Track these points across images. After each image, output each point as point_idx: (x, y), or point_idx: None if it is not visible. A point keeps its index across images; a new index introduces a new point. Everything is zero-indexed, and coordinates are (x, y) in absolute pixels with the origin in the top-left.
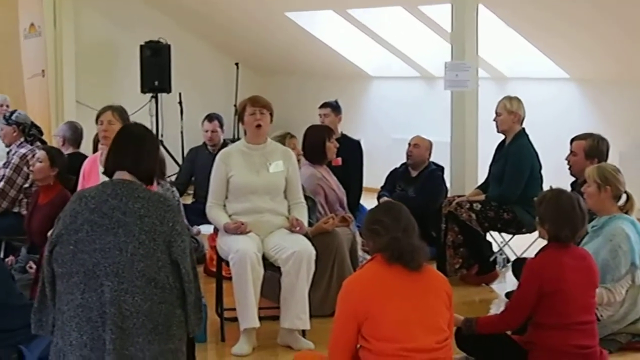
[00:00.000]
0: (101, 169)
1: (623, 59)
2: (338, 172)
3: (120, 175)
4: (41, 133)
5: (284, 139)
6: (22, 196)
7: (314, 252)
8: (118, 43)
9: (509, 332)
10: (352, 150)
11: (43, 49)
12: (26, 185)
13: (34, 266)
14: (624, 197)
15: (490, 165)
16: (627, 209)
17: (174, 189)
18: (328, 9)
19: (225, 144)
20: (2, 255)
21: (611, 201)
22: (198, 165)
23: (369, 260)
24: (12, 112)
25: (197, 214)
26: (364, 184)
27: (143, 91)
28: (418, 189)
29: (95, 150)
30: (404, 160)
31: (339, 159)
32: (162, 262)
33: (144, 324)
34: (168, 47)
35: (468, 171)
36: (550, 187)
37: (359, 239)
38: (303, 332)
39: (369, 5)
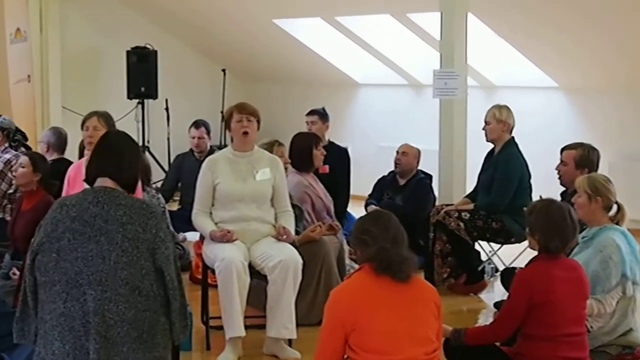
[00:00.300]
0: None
1: (612, 68)
2: (325, 180)
3: (102, 182)
4: (26, 139)
5: (272, 146)
6: (7, 202)
7: (300, 260)
8: (104, 49)
9: (497, 344)
10: (339, 158)
11: (29, 54)
12: (10, 191)
13: (17, 272)
14: (614, 208)
15: (479, 174)
16: (618, 219)
17: (160, 195)
18: (316, 17)
19: (212, 151)
20: None
21: (602, 212)
22: (184, 171)
23: (357, 270)
24: None
25: (183, 220)
26: (351, 192)
27: (129, 97)
28: (406, 198)
29: (81, 156)
30: (391, 168)
31: (326, 166)
32: (146, 269)
33: (128, 332)
34: (155, 53)
35: (456, 180)
36: (540, 196)
37: (346, 248)
38: (289, 342)
39: (357, 12)
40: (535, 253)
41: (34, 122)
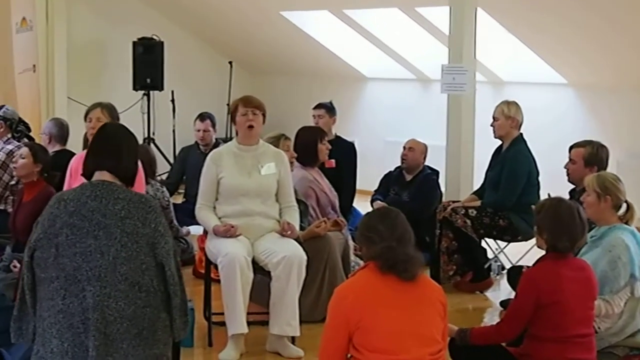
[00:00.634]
0: None
1: (621, 66)
2: (331, 175)
3: (100, 176)
4: (29, 129)
5: (278, 140)
6: (8, 193)
7: (305, 257)
8: (110, 39)
9: (504, 344)
10: (346, 152)
11: (34, 44)
12: (12, 182)
13: (18, 265)
14: (624, 207)
15: (487, 171)
16: (627, 218)
17: (164, 188)
18: (324, 9)
19: (217, 144)
20: None
21: (611, 211)
22: (189, 164)
23: (362, 268)
24: (0, 107)
25: (187, 214)
26: (357, 187)
27: (135, 88)
28: (412, 194)
29: (85, 147)
30: (398, 164)
31: (332, 161)
32: (146, 264)
33: (128, 329)
34: (161, 44)
35: (463, 176)
36: (548, 194)
37: (351, 244)
38: (292, 339)
39: (365, 6)
40: (543, 252)
41: (39, 113)
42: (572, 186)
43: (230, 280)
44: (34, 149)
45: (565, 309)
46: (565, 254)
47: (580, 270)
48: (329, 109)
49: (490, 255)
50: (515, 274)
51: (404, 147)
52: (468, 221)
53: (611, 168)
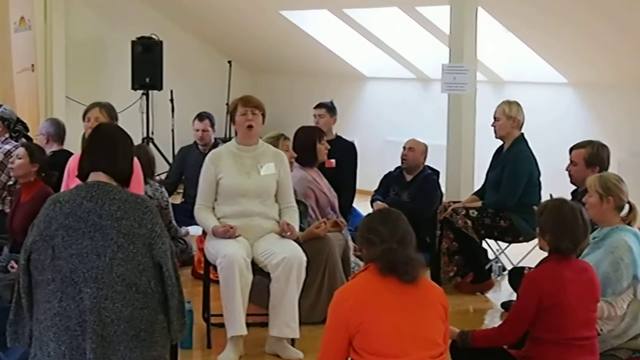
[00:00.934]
0: None
1: (622, 64)
2: (331, 175)
3: (95, 177)
4: (27, 129)
5: (278, 140)
6: (6, 194)
7: (304, 258)
8: (109, 38)
9: (505, 347)
10: (346, 152)
11: (33, 43)
12: (10, 182)
13: (15, 266)
14: (626, 208)
15: (488, 171)
16: (629, 219)
17: (163, 188)
18: (323, 8)
19: (216, 144)
20: None
21: (613, 212)
22: (188, 164)
23: (362, 270)
24: None
25: (186, 214)
26: (357, 187)
27: (134, 88)
28: (412, 194)
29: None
30: (397, 163)
31: (333, 160)
32: (143, 265)
33: (125, 331)
34: (160, 43)
35: (464, 176)
36: (551, 195)
37: (351, 244)
38: (292, 341)
39: (364, 5)
40: (544, 253)
41: (37, 112)
42: (573, 187)
43: (229, 282)
44: (30, 149)
45: (568, 311)
46: (568, 256)
47: (583, 272)
48: (330, 108)
49: (491, 256)
50: (516, 275)
51: (404, 147)
52: (469, 222)
53: (612, 167)
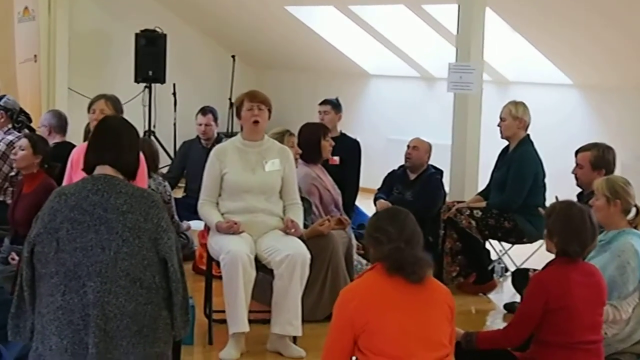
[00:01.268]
0: None
1: (627, 67)
2: (334, 172)
3: (102, 170)
4: (29, 120)
5: (283, 136)
6: (8, 185)
7: (308, 255)
8: (113, 30)
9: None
10: (350, 150)
11: (36, 34)
12: (12, 173)
13: (16, 257)
14: (633, 211)
15: (493, 172)
16: (636, 223)
17: (166, 182)
18: (329, 5)
19: (219, 138)
20: None
21: (620, 215)
22: (191, 159)
23: (369, 269)
24: (1, 97)
25: (188, 208)
26: (360, 185)
27: (137, 81)
28: (416, 193)
29: (86, 139)
30: (400, 162)
31: (337, 158)
32: (148, 260)
33: (128, 326)
34: (164, 36)
35: (468, 176)
36: (556, 197)
37: (354, 242)
38: (294, 339)
39: (370, 2)
40: (548, 255)
41: (39, 103)
42: (578, 188)
43: (233, 278)
44: (33, 140)
45: (574, 315)
46: (575, 259)
47: (590, 276)
48: (335, 105)
49: (493, 256)
50: (520, 277)
51: (408, 146)
52: (473, 222)
53: (616, 170)
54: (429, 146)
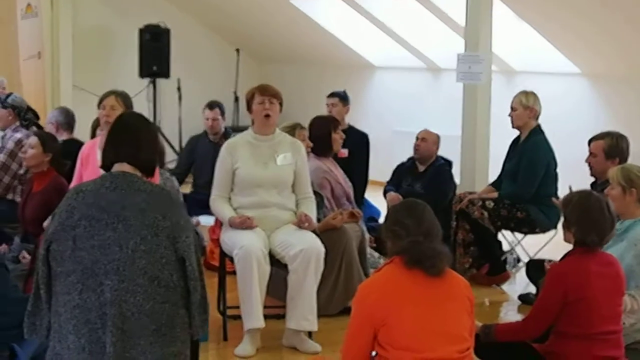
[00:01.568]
0: (100, 157)
1: (635, 55)
2: (343, 165)
3: (120, 167)
4: (37, 117)
5: (294, 130)
6: (17, 183)
7: (323, 249)
8: (117, 26)
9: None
10: (358, 143)
11: (39, 31)
12: (21, 171)
13: (27, 256)
14: None
15: (504, 162)
16: None
17: (174, 178)
18: None
19: (226, 133)
20: None
21: (636, 204)
22: (198, 154)
23: (387, 263)
24: (8, 95)
25: (196, 204)
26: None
27: (141, 76)
28: (426, 185)
29: (93, 135)
30: (406, 154)
31: (345, 150)
32: (166, 258)
33: (146, 325)
34: (168, 31)
35: (479, 167)
36: (570, 187)
37: (367, 235)
38: (309, 333)
39: None
40: (561, 244)
41: (44, 100)
42: (587, 177)
43: (247, 274)
44: (43, 138)
45: (593, 305)
46: (594, 249)
47: (608, 266)
48: (343, 97)
49: (505, 247)
50: (534, 268)
51: (417, 138)
52: (485, 213)
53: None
54: (438, 137)
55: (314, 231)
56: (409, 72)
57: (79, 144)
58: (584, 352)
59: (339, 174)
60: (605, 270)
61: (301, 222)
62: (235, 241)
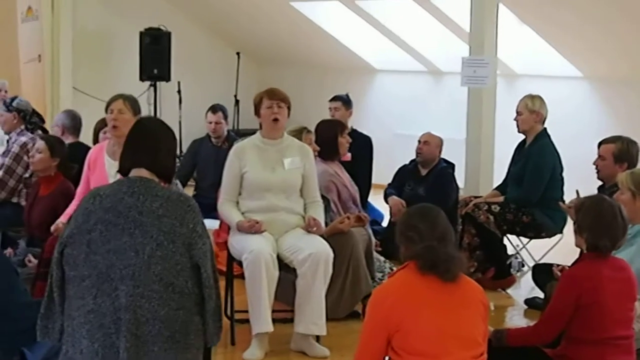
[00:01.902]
0: (108, 159)
1: (637, 57)
2: (346, 168)
3: (137, 172)
4: (42, 121)
5: (300, 133)
6: (22, 186)
7: (331, 254)
8: (117, 29)
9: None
10: (362, 146)
11: (40, 34)
12: (26, 175)
13: (33, 260)
14: None
15: (509, 166)
16: None
17: (177, 181)
18: (335, 0)
19: (229, 136)
20: None
21: None
22: (201, 157)
23: (401, 268)
24: (13, 99)
25: (199, 207)
26: None
27: (142, 79)
28: (429, 188)
29: (95, 139)
30: (407, 157)
31: (348, 154)
32: (182, 265)
33: (160, 331)
34: (168, 34)
35: (483, 171)
36: (577, 192)
37: (373, 239)
38: (317, 338)
39: None
40: (565, 248)
41: (44, 103)
42: (594, 180)
43: (256, 278)
44: (50, 143)
45: (605, 310)
46: (606, 254)
47: (620, 270)
48: (345, 101)
49: (510, 251)
50: (541, 272)
51: (419, 141)
52: (491, 217)
53: None
54: (440, 140)
55: (321, 235)
56: (410, 75)
57: (85, 148)
58: (596, 357)
59: (345, 177)
60: (617, 275)
61: (310, 227)
62: (244, 245)
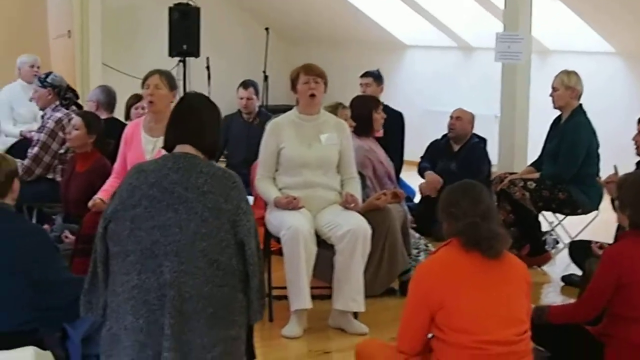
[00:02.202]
0: (144, 134)
1: None
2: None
3: (182, 148)
4: (77, 97)
5: (336, 109)
6: (57, 162)
7: (370, 230)
8: (146, 4)
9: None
10: (393, 122)
11: (69, 9)
12: (61, 151)
13: (70, 236)
14: None
15: (545, 143)
16: None
17: None
18: None
19: (260, 112)
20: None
21: None
22: (232, 133)
23: (444, 245)
24: (48, 74)
25: None
26: None
27: (171, 55)
28: (461, 163)
29: (127, 115)
30: (437, 133)
31: (380, 130)
32: (226, 242)
33: (204, 308)
34: (197, 10)
35: (517, 147)
36: (615, 167)
37: (409, 216)
38: (355, 314)
39: None
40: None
41: (74, 79)
42: (628, 155)
43: (294, 254)
44: (87, 119)
45: None
46: None
47: None
48: (377, 77)
49: (544, 227)
50: (578, 249)
51: (451, 117)
52: (527, 193)
53: None
54: (472, 116)
55: (358, 211)
56: (441, 51)
57: (120, 124)
58: (637, 334)
59: (381, 153)
60: None
61: (347, 203)
62: (282, 221)
